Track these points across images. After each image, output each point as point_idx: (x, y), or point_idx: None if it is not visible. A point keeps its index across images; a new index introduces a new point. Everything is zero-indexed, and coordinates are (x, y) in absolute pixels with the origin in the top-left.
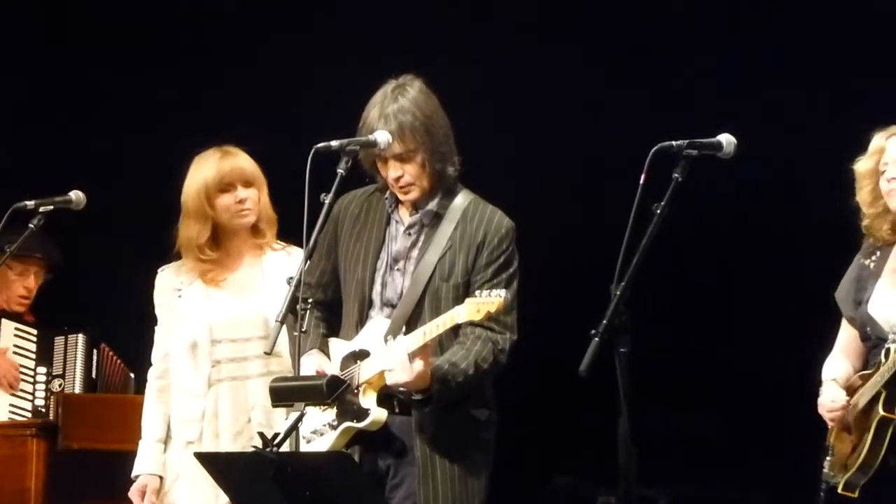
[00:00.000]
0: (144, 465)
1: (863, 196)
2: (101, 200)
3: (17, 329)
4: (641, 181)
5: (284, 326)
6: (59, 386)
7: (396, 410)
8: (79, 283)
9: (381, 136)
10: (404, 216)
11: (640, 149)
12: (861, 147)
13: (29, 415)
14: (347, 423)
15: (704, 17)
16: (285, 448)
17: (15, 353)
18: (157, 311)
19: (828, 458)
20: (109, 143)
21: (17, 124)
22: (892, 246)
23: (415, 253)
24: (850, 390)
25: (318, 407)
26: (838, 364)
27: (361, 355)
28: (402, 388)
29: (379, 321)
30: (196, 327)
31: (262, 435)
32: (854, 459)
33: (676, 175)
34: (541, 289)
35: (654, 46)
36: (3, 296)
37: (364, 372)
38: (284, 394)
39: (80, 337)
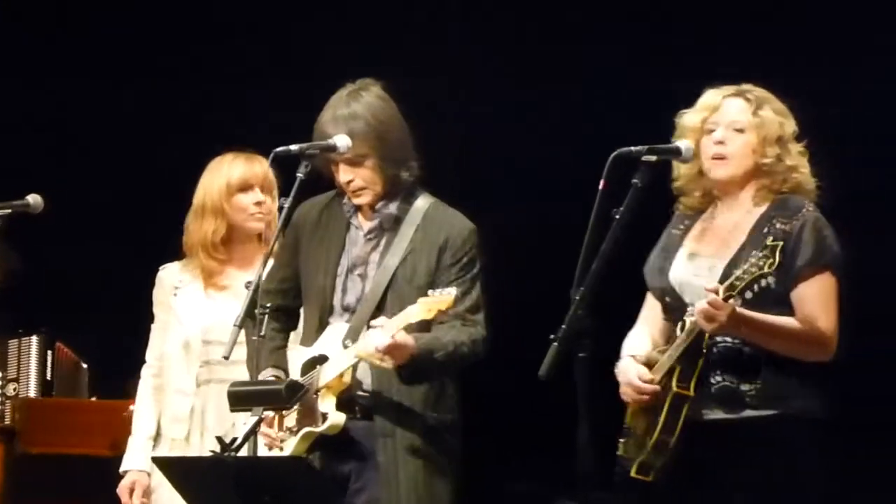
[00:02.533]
0: (134, 461)
1: None
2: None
3: None
4: (601, 187)
5: (243, 331)
6: (14, 390)
7: (358, 416)
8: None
9: (341, 141)
10: (363, 221)
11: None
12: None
13: None
14: (307, 429)
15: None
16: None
17: None
18: (155, 309)
19: (622, 440)
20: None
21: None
22: (701, 213)
23: (375, 257)
24: (650, 366)
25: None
26: (639, 338)
27: (321, 360)
28: (379, 360)
29: (338, 326)
30: (190, 327)
31: (219, 439)
32: (651, 440)
33: (636, 181)
34: (505, 291)
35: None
36: None
37: (323, 376)
38: (242, 398)
39: (34, 339)
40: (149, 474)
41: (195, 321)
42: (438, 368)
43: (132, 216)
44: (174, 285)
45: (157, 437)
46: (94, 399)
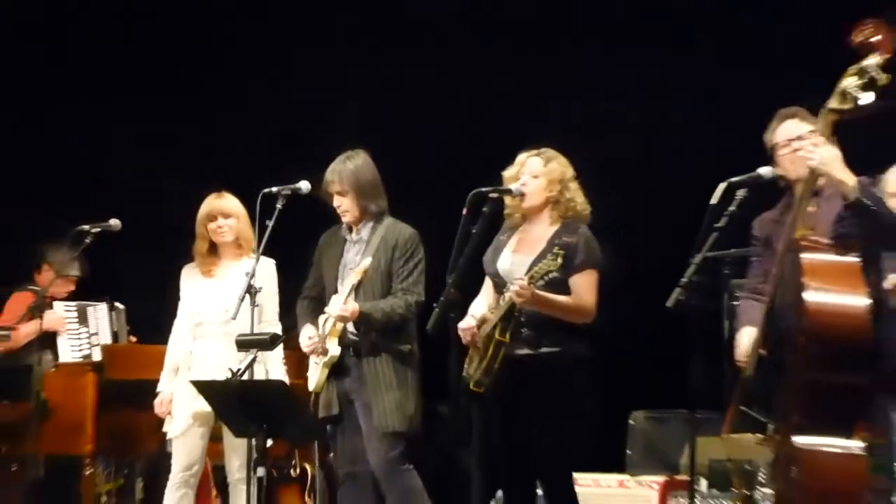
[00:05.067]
0: (163, 385)
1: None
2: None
3: (63, 306)
4: (464, 213)
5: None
6: (95, 339)
7: (352, 354)
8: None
9: (304, 185)
10: (353, 236)
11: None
12: None
13: (81, 359)
14: (322, 360)
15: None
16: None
17: (68, 323)
18: (181, 291)
19: (466, 365)
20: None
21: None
22: (518, 228)
23: (358, 258)
24: (483, 321)
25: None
26: (478, 304)
27: (327, 319)
28: (339, 316)
29: (336, 298)
30: (193, 300)
31: (230, 370)
32: (482, 366)
33: (485, 209)
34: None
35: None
36: (49, 292)
37: (327, 325)
38: (244, 343)
39: (103, 306)
40: (171, 393)
41: (195, 297)
42: (378, 322)
43: (162, 232)
44: (188, 276)
45: (177, 369)
46: (135, 341)
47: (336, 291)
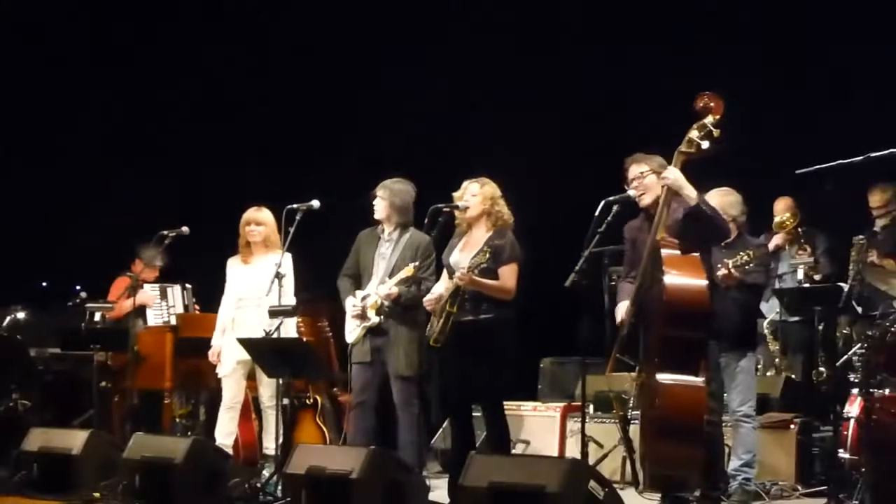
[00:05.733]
0: (215, 341)
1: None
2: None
3: (150, 287)
4: (426, 223)
5: (276, 281)
6: (172, 310)
7: (382, 318)
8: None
9: (315, 203)
10: (385, 236)
11: None
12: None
13: (162, 324)
14: (364, 324)
15: None
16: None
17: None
18: (227, 275)
19: (429, 326)
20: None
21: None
22: (465, 234)
23: (389, 252)
24: (440, 297)
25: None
26: (439, 286)
27: (366, 296)
28: (385, 298)
29: (373, 282)
30: (236, 281)
31: (264, 330)
32: (437, 328)
33: (440, 219)
34: None
35: None
36: (141, 277)
37: (369, 301)
38: (275, 312)
39: (178, 286)
40: (220, 346)
41: (237, 279)
42: (406, 301)
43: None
44: (233, 265)
45: (225, 329)
46: (198, 310)
47: (372, 274)
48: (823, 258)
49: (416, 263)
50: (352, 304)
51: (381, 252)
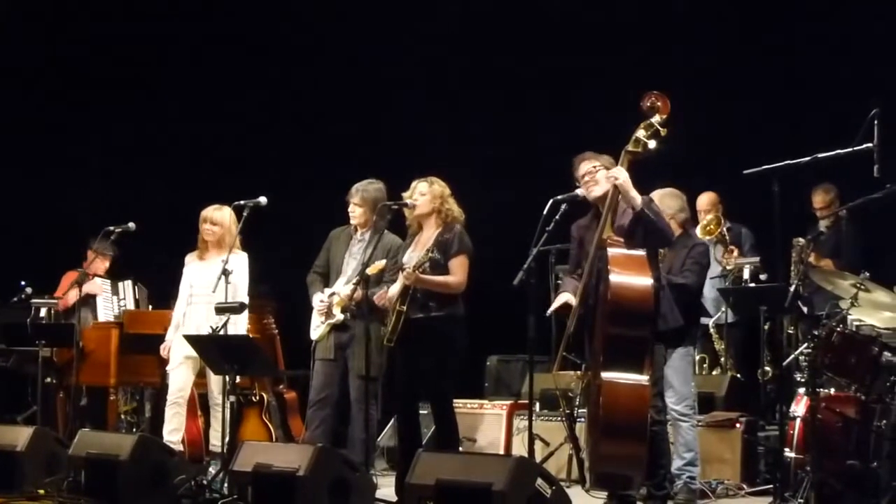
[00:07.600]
0: (168, 335)
1: None
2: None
3: (101, 280)
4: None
5: (223, 278)
6: (123, 305)
7: (348, 316)
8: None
9: (262, 199)
10: (357, 236)
11: None
12: None
13: (112, 319)
14: (329, 321)
15: None
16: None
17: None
18: (184, 271)
19: (384, 327)
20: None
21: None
22: (417, 234)
23: (358, 253)
24: (393, 296)
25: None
26: (395, 285)
27: (335, 293)
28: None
29: (341, 280)
30: (189, 277)
31: (211, 328)
32: (389, 327)
33: (388, 216)
34: None
35: None
36: (91, 270)
37: (335, 298)
38: (222, 309)
39: (129, 282)
40: (171, 341)
41: (191, 276)
42: (371, 301)
43: (178, 228)
44: (188, 262)
45: (177, 326)
46: (152, 309)
47: (341, 272)
48: (751, 254)
49: (385, 261)
50: (319, 300)
51: (352, 251)
